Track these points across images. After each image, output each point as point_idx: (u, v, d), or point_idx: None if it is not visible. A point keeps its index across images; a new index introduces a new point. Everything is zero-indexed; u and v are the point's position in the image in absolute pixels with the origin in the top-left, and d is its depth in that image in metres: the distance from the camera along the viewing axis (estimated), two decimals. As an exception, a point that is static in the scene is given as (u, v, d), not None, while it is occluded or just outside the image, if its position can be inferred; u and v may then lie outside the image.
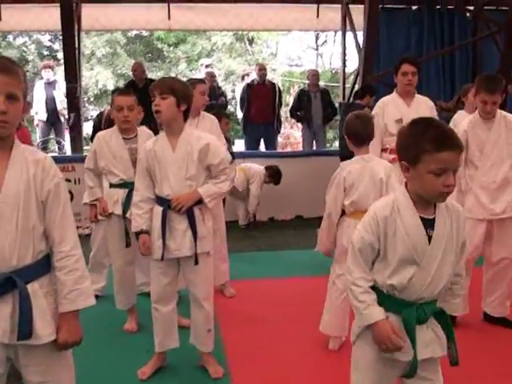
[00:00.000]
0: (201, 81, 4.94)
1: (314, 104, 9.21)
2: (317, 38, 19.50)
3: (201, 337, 3.52)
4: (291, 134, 14.24)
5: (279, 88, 9.74)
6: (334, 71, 18.57)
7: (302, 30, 12.67)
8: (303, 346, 3.88)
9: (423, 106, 4.95)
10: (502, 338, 4.00)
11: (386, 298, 2.15)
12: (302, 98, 9.31)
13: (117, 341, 4.05)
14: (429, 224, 2.09)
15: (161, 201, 3.32)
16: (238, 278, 5.12)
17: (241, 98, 9.63)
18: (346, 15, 9.33)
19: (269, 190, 7.65)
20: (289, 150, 13.08)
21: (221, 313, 4.30)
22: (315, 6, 9.42)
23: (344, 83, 10.03)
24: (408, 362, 2.16)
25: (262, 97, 9.25)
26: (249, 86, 9.43)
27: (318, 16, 9.53)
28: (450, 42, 9.75)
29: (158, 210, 3.32)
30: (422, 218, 2.09)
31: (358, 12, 8.86)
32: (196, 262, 3.33)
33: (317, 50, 20.08)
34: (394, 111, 4.88)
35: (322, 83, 17.68)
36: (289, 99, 14.33)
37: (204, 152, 3.32)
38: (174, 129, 3.34)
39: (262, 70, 9.39)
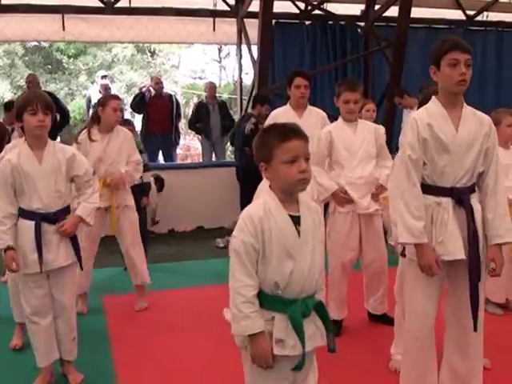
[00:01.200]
0: (114, 97, 4.94)
1: (212, 116, 9.31)
2: (219, 51, 19.65)
3: (65, 345, 3.56)
4: (192, 145, 14.28)
5: (177, 100, 9.80)
6: (236, 83, 18.80)
7: (197, 43, 12.70)
8: (199, 357, 3.94)
9: (314, 117, 5.15)
10: (379, 335, 4.19)
11: (270, 300, 2.24)
12: (201, 110, 9.39)
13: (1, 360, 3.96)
14: (296, 220, 2.24)
15: (31, 215, 3.31)
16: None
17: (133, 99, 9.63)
18: (242, 29, 9.46)
19: (169, 202, 7.67)
20: (189, 161, 13.12)
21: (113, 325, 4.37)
22: (211, 19, 9.51)
23: (241, 95, 10.16)
24: (297, 356, 2.25)
25: (159, 108, 9.28)
26: (144, 98, 9.42)
27: (214, 29, 9.63)
28: (343, 56, 10.06)
29: (28, 224, 3.32)
30: (289, 216, 2.24)
31: (253, 26, 9.01)
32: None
33: (220, 62, 20.24)
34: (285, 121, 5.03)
35: (225, 96, 17.93)
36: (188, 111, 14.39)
37: (70, 163, 3.38)
38: (41, 142, 3.35)
39: (157, 83, 9.44)
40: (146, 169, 5.89)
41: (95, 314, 4.81)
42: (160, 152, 9.60)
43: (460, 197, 2.87)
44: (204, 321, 4.48)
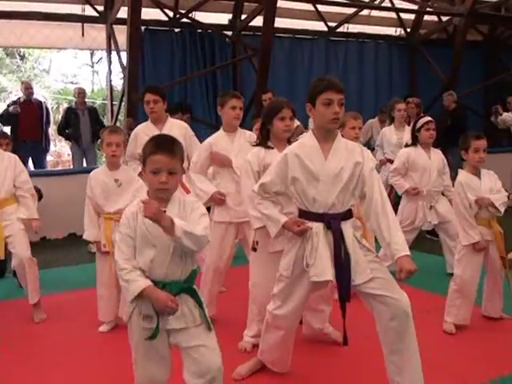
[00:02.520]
0: None
1: (82, 122, 9.19)
2: (92, 56, 19.44)
3: None
4: (63, 152, 14.05)
5: (46, 106, 9.68)
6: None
7: (66, 48, 12.56)
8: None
9: (175, 129, 5.18)
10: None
11: None
12: (70, 116, 9.27)
13: None
14: None
15: None
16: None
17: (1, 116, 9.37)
18: (111, 35, 9.51)
19: (40, 209, 7.56)
20: (60, 167, 12.91)
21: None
22: (80, 24, 9.48)
23: (112, 101, 10.19)
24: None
25: (29, 115, 9.10)
26: (14, 104, 9.23)
27: (83, 35, 9.60)
28: (212, 63, 10.35)
29: None
30: None
31: (122, 32, 9.06)
32: None
33: (92, 67, 20.01)
34: (145, 138, 5.11)
35: (99, 101, 17.72)
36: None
37: None
38: None
39: (27, 88, 9.27)
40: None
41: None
42: (30, 159, 9.38)
43: (329, 222, 3.03)
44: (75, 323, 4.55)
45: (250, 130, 5.53)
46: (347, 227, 3.06)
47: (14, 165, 4.88)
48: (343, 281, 3.01)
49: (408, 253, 2.94)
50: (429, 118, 5.36)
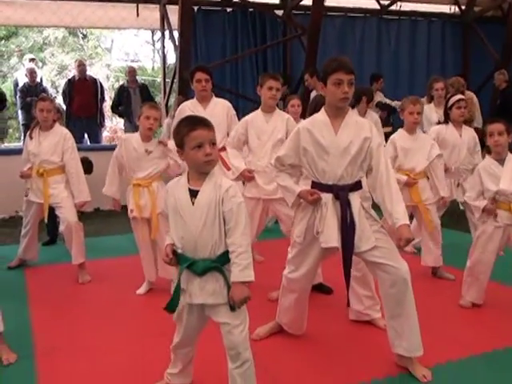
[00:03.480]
0: (41, 98, 5.44)
1: (133, 99, 9.60)
2: (153, 34, 19.77)
3: None
4: (119, 127, 14.47)
5: (101, 83, 10.08)
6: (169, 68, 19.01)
7: (121, 29, 12.93)
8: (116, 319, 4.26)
9: (219, 108, 5.48)
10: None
11: (178, 255, 2.77)
12: (122, 94, 9.68)
13: None
14: (194, 193, 2.72)
15: None
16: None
17: (63, 92, 9.84)
18: (164, 15, 9.78)
19: (97, 182, 7.93)
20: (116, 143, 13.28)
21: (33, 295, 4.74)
22: (135, 5, 9.76)
23: (164, 79, 10.50)
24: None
25: (83, 92, 9.52)
26: (70, 82, 9.70)
27: (137, 15, 9.88)
28: (263, 42, 10.47)
29: None
30: (191, 190, 2.72)
31: (176, 12, 9.30)
32: None
33: (153, 45, 20.37)
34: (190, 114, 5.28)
35: (159, 78, 18.06)
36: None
37: None
38: None
39: (80, 65, 9.70)
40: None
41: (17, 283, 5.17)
42: (86, 134, 9.83)
43: (338, 193, 3.23)
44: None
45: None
46: (355, 198, 3.26)
47: (63, 141, 5.28)
48: (347, 246, 3.23)
49: (407, 222, 3.14)
50: (460, 96, 5.40)
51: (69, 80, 9.83)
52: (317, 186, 3.30)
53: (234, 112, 5.60)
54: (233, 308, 2.70)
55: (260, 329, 3.81)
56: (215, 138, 2.75)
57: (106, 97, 10.72)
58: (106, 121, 11.11)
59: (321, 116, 3.32)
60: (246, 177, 4.70)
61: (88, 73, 10.10)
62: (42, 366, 3.48)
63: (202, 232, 2.68)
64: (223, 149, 5.10)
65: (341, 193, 3.23)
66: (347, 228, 3.22)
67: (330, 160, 3.22)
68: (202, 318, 2.86)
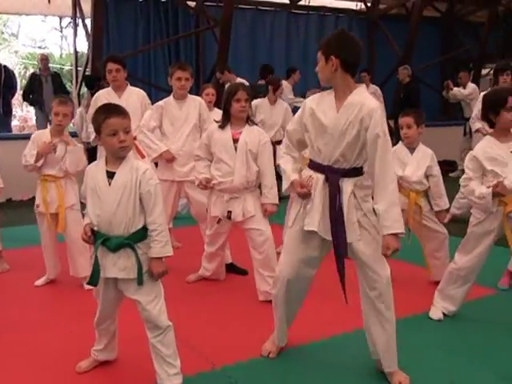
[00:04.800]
0: None
1: (45, 88, 9.47)
2: (61, 20, 19.38)
3: None
4: (29, 116, 14.16)
5: (6, 70, 9.70)
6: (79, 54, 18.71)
7: (31, 15, 12.68)
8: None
9: (134, 97, 5.56)
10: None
11: (95, 233, 2.93)
12: (34, 82, 9.54)
13: None
14: (110, 175, 2.87)
15: None
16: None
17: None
18: (76, 2, 9.72)
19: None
20: (26, 132, 12.99)
21: None
22: (46, -10, 9.68)
23: (76, 67, 10.43)
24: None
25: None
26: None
27: (49, 1, 9.79)
28: (175, 33, 10.60)
29: None
30: (108, 172, 2.87)
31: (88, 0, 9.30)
32: None
33: (61, 32, 19.98)
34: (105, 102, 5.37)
35: (67, 66, 17.77)
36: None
37: None
38: None
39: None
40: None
41: None
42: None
43: (328, 175, 3.01)
44: None
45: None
46: (347, 184, 3.01)
47: None
48: (337, 235, 3.01)
49: (398, 231, 2.88)
50: None
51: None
52: (312, 164, 3.14)
53: (149, 101, 5.71)
54: (140, 283, 2.88)
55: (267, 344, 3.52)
56: (130, 126, 2.90)
57: (16, 85, 10.36)
58: (14, 109, 10.79)
59: (327, 94, 3.08)
60: (168, 157, 4.89)
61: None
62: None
63: (117, 211, 2.84)
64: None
65: (332, 175, 3.01)
66: (335, 215, 2.99)
67: (326, 139, 2.99)
68: (117, 292, 3.02)
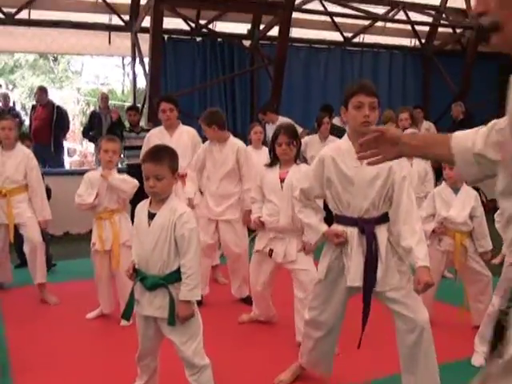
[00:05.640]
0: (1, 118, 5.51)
1: (104, 125, 9.81)
2: (123, 58, 20.01)
3: None
4: (89, 151, 14.61)
5: (59, 109, 9.93)
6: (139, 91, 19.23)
7: (94, 55, 13.20)
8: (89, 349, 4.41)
9: (185, 136, 5.76)
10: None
11: (136, 270, 3.06)
12: (93, 119, 9.92)
13: None
14: (151, 216, 3.00)
15: None
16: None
17: (29, 117, 9.97)
18: (135, 43, 10.07)
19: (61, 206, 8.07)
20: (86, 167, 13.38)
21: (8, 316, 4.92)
22: (107, 33, 10.06)
23: (135, 103, 10.75)
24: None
25: (39, 118, 9.60)
26: (33, 108, 9.85)
27: (109, 43, 10.17)
28: (231, 72, 10.82)
29: None
30: (150, 213, 3.01)
31: (147, 40, 9.59)
32: None
33: (123, 69, 20.61)
34: (157, 141, 5.34)
35: (128, 103, 18.22)
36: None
37: None
38: None
39: (38, 92, 9.82)
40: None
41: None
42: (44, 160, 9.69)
43: (363, 227, 3.02)
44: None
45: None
46: (382, 231, 3.06)
47: (26, 160, 5.33)
48: (369, 283, 3.05)
49: (428, 264, 2.89)
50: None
51: (33, 106, 9.95)
52: (340, 218, 3.15)
53: (200, 139, 5.88)
54: (171, 323, 2.95)
55: (282, 375, 3.70)
56: (163, 173, 2.95)
57: (68, 124, 10.49)
58: (64, 147, 11.01)
59: (344, 143, 3.11)
60: (190, 205, 5.15)
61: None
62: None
63: (154, 251, 2.95)
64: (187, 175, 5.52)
65: (366, 226, 3.03)
66: (371, 263, 3.03)
67: (354, 192, 3.01)
68: (157, 329, 3.10)
